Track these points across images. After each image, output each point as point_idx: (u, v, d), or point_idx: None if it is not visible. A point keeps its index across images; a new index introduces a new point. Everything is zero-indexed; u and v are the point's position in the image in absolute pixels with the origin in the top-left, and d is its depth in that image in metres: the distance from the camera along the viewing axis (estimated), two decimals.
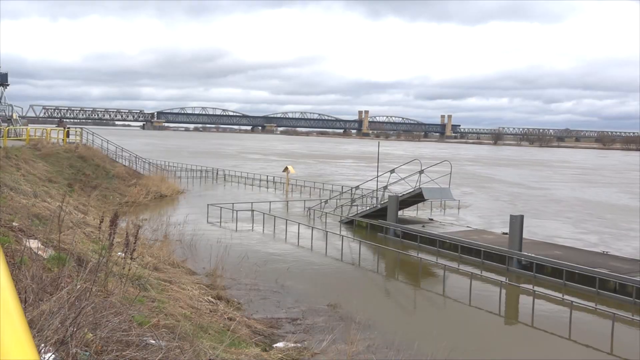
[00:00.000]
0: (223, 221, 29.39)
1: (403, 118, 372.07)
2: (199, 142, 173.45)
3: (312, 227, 26.19)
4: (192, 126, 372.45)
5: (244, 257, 20.35)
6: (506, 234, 23.86)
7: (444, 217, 33.26)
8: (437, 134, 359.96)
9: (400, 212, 29.79)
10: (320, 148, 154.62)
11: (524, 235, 22.38)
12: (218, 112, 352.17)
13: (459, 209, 37.68)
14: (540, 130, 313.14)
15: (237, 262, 19.31)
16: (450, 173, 28.92)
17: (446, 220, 30.68)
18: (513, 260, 20.94)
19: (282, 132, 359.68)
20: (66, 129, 46.03)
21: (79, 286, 6.51)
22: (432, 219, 30.15)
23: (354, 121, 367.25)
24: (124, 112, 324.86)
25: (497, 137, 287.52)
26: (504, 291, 17.98)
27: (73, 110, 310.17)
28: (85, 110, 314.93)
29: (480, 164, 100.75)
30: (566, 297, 17.10)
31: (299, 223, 26.67)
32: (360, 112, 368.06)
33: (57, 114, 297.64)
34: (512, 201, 43.65)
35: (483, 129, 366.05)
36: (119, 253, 12.56)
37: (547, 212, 37.27)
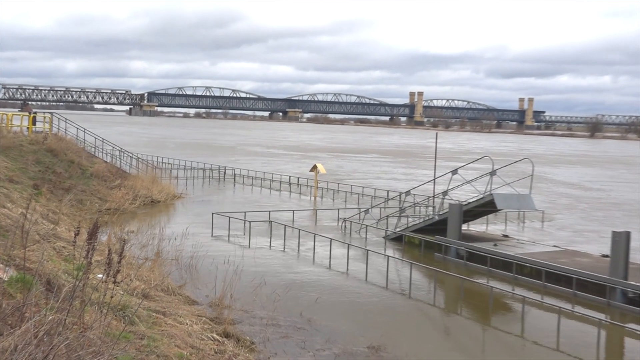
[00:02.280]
0: (232, 235, 29.53)
1: (469, 102, 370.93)
2: (194, 131, 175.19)
3: (349, 245, 26.15)
4: (193, 111, 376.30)
5: (260, 282, 20.42)
6: (606, 256, 23.47)
7: (523, 233, 32.91)
8: (514, 122, 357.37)
9: (464, 226, 29.54)
10: (349, 140, 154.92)
11: (632, 259, 22.00)
12: (227, 94, 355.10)
13: (542, 222, 37.28)
14: None
15: (251, 289, 19.37)
16: (532, 175, 28.63)
17: (526, 238, 30.37)
18: (616, 292, 20.60)
19: (309, 120, 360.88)
20: (32, 115, 46.85)
21: (50, 317, 6.60)
22: (506, 236, 29.88)
23: (404, 106, 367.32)
24: (106, 93, 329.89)
25: (594, 127, 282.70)
26: (603, 333, 17.70)
27: (41, 90, 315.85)
28: (57, 91, 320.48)
29: (568, 163, 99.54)
30: None
31: (331, 239, 26.66)
32: (412, 94, 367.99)
33: (21, 94, 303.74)
34: (614, 215, 42.99)
35: (576, 117, 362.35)
36: (99, 275, 12.70)
37: None
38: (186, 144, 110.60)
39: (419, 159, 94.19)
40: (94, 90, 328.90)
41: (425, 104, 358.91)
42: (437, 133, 39.01)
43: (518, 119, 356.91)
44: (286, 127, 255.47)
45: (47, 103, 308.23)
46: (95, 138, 46.33)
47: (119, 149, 48.02)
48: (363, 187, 47.85)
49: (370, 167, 75.46)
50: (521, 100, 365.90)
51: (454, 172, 29.91)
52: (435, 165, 33.82)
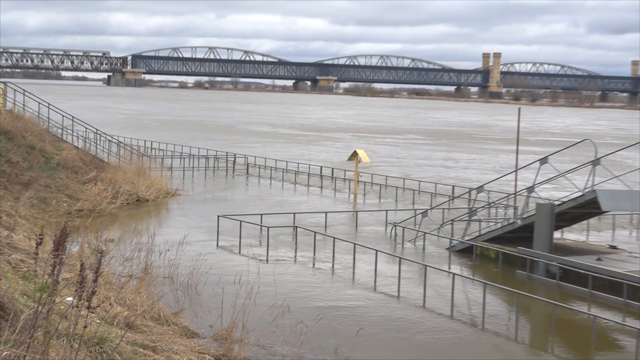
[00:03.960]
0: (245, 245, 29.57)
1: (564, 66, 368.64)
2: (188, 106, 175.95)
3: (400, 258, 26.06)
4: (192, 79, 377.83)
5: (282, 308, 20.42)
6: None
7: (638, 244, 32.56)
8: (626, 94, 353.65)
9: (557, 234, 29.29)
10: (386, 117, 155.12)
11: None
12: (238, 57, 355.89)
13: None
14: None
15: (270, 318, 19.38)
16: None
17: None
18: None
19: (347, 91, 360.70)
20: None
21: (4, 353, 6.67)
22: (614, 247, 29.57)
23: (476, 72, 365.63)
24: (77, 56, 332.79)
25: None
26: None
27: None
28: (12, 53, 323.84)
29: None
30: None
31: (376, 250, 26.58)
32: (486, 57, 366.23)
33: None
34: None
35: None
36: (69, 298, 12.78)
37: None
38: (171, 122, 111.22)
39: (469, 141, 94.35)
40: (61, 53, 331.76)
41: (503, 69, 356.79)
42: (519, 108, 38.70)
43: (631, 89, 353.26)
44: (312, 100, 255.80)
45: (0, 69, 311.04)
46: (63, 116, 46.59)
47: (94, 130, 48.29)
48: (419, 181, 47.71)
49: (396, 151, 76.23)
50: (635, 64, 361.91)
51: (543, 160, 29.66)
52: (517, 151, 33.61)
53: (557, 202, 28.34)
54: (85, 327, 10.36)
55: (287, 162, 55.79)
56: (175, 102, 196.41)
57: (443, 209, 36.66)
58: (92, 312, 11.74)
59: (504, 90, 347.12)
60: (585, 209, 27.79)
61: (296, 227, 31.22)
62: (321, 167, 53.49)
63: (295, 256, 28.45)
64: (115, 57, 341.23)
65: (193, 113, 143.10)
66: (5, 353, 6.80)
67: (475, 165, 66.53)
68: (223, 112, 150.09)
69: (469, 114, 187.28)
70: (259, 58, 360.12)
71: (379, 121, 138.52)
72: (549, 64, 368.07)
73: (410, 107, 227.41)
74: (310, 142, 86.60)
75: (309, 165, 54.58)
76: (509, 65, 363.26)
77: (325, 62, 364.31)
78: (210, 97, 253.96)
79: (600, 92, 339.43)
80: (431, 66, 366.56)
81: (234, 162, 56.26)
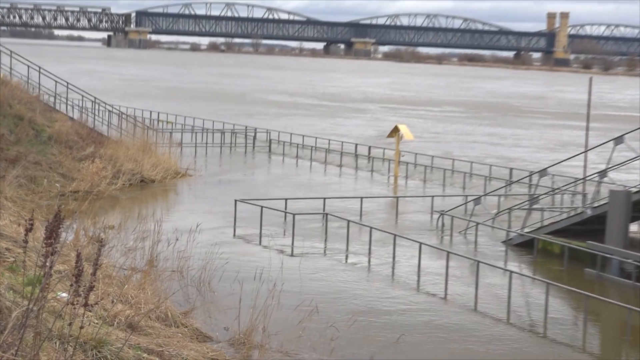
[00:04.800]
0: (266, 235, 29.63)
1: None
2: (198, 71, 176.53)
3: (448, 253, 26.00)
4: (206, 41, 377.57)
5: (310, 309, 20.43)
6: None
7: None
8: None
9: (633, 227, 29.07)
10: (425, 86, 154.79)
11: None
12: (259, 15, 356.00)
13: None
14: None
15: (295, 320, 19.40)
16: None
17: None
18: None
19: (386, 56, 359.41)
20: None
21: None
22: None
23: (539, 34, 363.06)
24: (73, 12, 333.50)
25: None
26: None
27: None
28: None
29: None
30: None
31: (420, 243, 26.55)
32: (551, 18, 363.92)
33: None
34: None
35: None
36: (62, 294, 12.83)
37: None
38: (175, 89, 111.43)
39: (516, 114, 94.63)
40: (54, 8, 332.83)
41: (571, 32, 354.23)
42: (590, 78, 38.37)
43: None
44: (345, 66, 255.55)
45: None
46: (57, 82, 46.68)
47: (92, 98, 48.35)
48: (472, 162, 47.52)
49: (429, 125, 76.56)
50: None
51: (619, 140, 29.45)
52: (587, 128, 33.41)
53: (634, 189, 28.11)
54: (81, 327, 10.40)
55: (316, 138, 55.66)
56: (183, 67, 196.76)
57: (499, 195, 36.52)
58: (90, 311, 11.75)
59: (571, 56, 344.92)
60: None
61: (326, 214, 31.23)
62: (356, 144, 53.41)
63: (325, 249, 28.47)
64: (117, 14, 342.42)
65: (200, 79, 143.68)
66: None
67: (524, 143, 66.44)
68: (235, 79, 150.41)
69: (524, 83, 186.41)
70: (284, 17, 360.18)
71: (415, 91, 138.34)
72: (625, 26, 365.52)
73: (457, 75, 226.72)
74: (333, 114, 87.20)
75: (342, 142, 54.46)
76: (578, 28, 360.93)
77: (361, 22, 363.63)
78: (226, 62, 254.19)
79: None
80: (487, 28, 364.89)
81: (254, 137, 56.24)
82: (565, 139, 71.68)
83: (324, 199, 34.21)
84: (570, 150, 35.03)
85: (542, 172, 33.41)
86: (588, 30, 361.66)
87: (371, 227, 28.87)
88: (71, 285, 9.28)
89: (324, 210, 32.26)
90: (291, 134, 57.27)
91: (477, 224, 31.54)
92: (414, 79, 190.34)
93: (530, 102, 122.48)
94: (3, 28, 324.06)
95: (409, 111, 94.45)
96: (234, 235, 29.73)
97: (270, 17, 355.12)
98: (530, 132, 76.54)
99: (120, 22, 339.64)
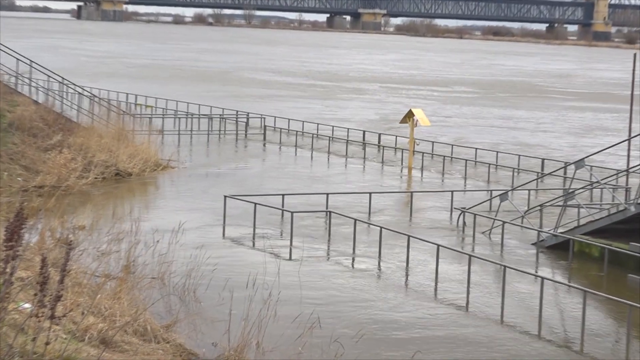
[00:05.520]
0: (261, 235, 29.70)
1: None
2: (176, 47, 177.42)
3: (470, 256, 25.98)
4: (191, 12, 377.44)
5: (310, 321, 20.38)
6: None
7: None
8: None
9: None
10: (437, 63, 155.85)
11: None
12: None
13: None
14: None
15: (294, 334, 19.39)
16: None
17: None
18: None
19: (398, 29, 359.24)
20: None
21: None
22: None
23: (575, 4, 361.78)
24: None
25: None
26: None
27: None
28: None
29: None
30: None
31: (438, 245, 26.53)
32: None
33: None
34: None
35: None
36: (25, 305, 12.76)
37: None
38: (145, 66, 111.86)
39: (535, 95, 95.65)
40: None
41: (613, 2, 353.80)
42: (635, 54, 38.28)
43: None
44: (350, 40, 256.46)
45: None
46: (18, 59, 46.70)
47: (60, 79, 48.33)
48: (497, 151, 47.48)
49: (436, 108, 77.15)
50: None
51: None
52: (631, 112, 33.36)
53: None
54: (47, 343, 10.32)
55: (317, 124, 55.68)
56: (160, 42, 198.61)
57: (529, 189, 36.44)
58: (57, 324, 11.70)
59: (613, 29, 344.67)
60: None
61: (330, 212, 31.22)
62: (364, 131, 53.43)
63: (329, 251, 28.44)
64: None
65: (177, 55, 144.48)
66: None
67: (541, 127, 66.93)
68: (218, 55, 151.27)
69: (554, 60, 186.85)
70: None
71: (424, 68, 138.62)
72: None
73: (478, 50, 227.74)
74: (327, 95, 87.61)
75: (348, 129, 54.36)
76: None
77: None
78: (212, 36, 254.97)
79: None
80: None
81: (247, 124, 56.21)
82: (589, 123, 71.74)
83: (327, 194, 34.13)
84: (595, 136, 34.44)
85: (579, 163, 33.33)
86: (633, 0, 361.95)
87: (381, 227, 28.86)
88: (35, 294, 9.25)
89: (326, 207, 32.22)
90: (289, 119, 57.28)
91: (504, 222, 31.53)
92: (427, 55, 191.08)
93: (555, 80, 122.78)
94: None
95: (411, 91, 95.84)
96: (223, 236, 29.76)
97: None
98: (548, 114, 76.83)
99: None
